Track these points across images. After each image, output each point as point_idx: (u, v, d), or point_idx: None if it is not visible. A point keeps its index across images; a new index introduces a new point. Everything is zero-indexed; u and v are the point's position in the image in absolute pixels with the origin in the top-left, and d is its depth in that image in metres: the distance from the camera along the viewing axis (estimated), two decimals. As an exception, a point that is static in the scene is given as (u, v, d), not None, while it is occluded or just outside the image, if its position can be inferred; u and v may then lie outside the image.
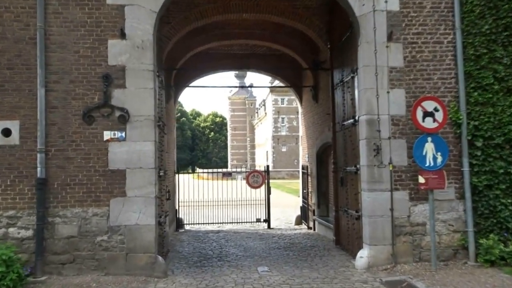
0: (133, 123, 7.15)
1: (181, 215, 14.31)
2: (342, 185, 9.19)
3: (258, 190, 14.38)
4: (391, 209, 7.38)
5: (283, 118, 74.90)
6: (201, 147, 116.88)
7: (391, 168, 7.43)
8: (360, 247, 7.75)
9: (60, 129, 7.06)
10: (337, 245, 9.64)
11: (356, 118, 7.98)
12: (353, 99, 8.28)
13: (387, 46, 7.51)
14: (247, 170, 14.50)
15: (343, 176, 9.08)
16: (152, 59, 7.26)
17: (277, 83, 70.96)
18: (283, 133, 74.96)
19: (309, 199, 13.33)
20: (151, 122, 7.20)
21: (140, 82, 7.20)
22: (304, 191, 13.87)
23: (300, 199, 14.77)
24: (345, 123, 8.85)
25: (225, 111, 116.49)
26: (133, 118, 7.15)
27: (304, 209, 13.89)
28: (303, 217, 14.17)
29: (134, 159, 7.11)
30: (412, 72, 7.66)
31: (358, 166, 7.91)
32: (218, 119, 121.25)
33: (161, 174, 7.89)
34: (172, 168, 13.27)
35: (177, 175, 14.06)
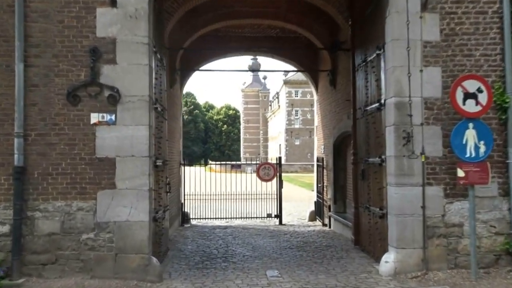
0: (124, 104, 6.21)
1: (187, 209, 13.44)
2: (363, 179, 8.15)
3: (269, 183, 13.41)
4: (423, 207, 6.33)
5: (296, 111, 73.66)
6: (214, 140, 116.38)
7: (423, 160, 6.36)
8: (385, 250, 6.72)
9: (41, 110, 6.15)
10: (356, 245, 8.61)
11: (382, 101, 6.92)
12: (378, 80, 7.20)
13: (420, 17, 6.40)
14: (257, 162, 13.47)
15: (365, 168, 8.02)
16: (147, 31, 6.29)
17: (291, 74, 69.79)
18: (297, 126, 73.76)
19: (325, 193, 12.30)
20: (146, 104, 6.25)
21: (133, 57, 6.25)
22: (319, 185, 12.83)
23: (315, 193, 13.75)
24: (368, 108, 7.78)
25: (238, 104, 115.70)
26: (124, 99, 6.20)
27: (319, 205, 12.87)
28: (317, 213, 13.15)
29: (126, 145, 6.19)
30: (450, 48, 6.54)
31: (383, 157, 6.86)
32: (231, 111, 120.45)
33: (158, 163, 6.95)
34: (177, 159, 12.37)
35: (182, 167, 13.15)
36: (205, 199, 14.22)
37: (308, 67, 13.33)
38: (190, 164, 13.70)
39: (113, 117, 6.20)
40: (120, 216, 6.12)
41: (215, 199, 14.46)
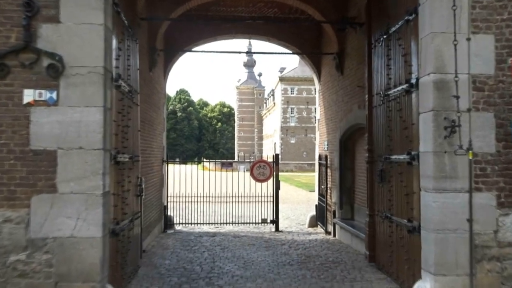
0: (70, 78, 4.57)
1: (171, 213, 11.80)
2: (382, 181, 6.55)
3: (264, 184, 11.80)
4: (470, 221, 4.75)
5: (292, 109, 72.05)
6: (208, 138, 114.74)
7: (470, 157, 4.78)
8: (414, 275, 5.16)
9: (-47, 84, 4.51)
10: (372, 262, 7.04)
11: (413, 81, 5.32)
12: (407, 55, 5.60)
13: (468, -33, 4.83)
14: (251, 160, 11.83)
15: (385, 168, 6.42)
16: (104, -21, 4.65)
17: (287, 71, 68.16)
18: (292, 124, 72.15)
19: (328, 197, 10.70)
20: (99, 78, 4.60)
21: (82, 14, 4.61)
22: (322, 186, 11.22)
23: (316, 196, 12.14)
24: (390, 92, 6.18)
25: (233, 101, 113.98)
26: (70, 71, 4.57)
27: (321, 209, 11.26)
28: (319, 219, 11.55)
29: (71, 134, 4.55)
30: (506, 9, 4.96)
31: (413, 153, 5.28)
32: (225, 109, 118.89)
33: (120, 159, 5.31)
34: (158, 155, 10.72)
35: (166, 164, 11.50)
36: (193, 201, 12.55)
37: (310, 51, 11.71)
38: (173, 162, 12.00)
39: (54, 95, 4.55)
40: (62, 230, 4.49)
41: (204, 201, 12.80)
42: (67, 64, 4.55)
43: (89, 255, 4.48)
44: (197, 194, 12.54)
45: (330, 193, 10.57)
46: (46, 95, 4.54)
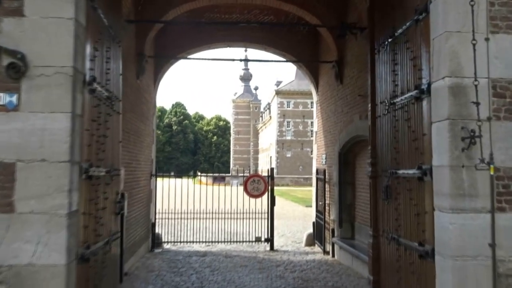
0: (33, 79, 3.97)
1: (160, 231, 11.11)
2: (387, 198, 5.93)
3: (258, 199, 11.15)
4: (492, 245, 4.14)
5: (288, 122, 71.73)
6: (204, 151, 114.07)
7: (492, 172, 4.19)
8: (428, 307, 4.51)
9: None
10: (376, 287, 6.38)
11: (424, 86, 4.76)
12: (416, 58, 5.05)
13: (486, -41, 4.32)
14: (244, 175, 11.20)
15: (391, 184, 5.82)
16: (75, -32, 4.08)
17: (283, 84, 68.02)
18: (288, 138, 71.74)
19: (326, 214, 10.06)
20: (67, 79, 4.00)
21: (50, 6, 4.03)
22: (320, 203, 10.58)
23: (313, 212, 11.49)
24: (397, 100, 5.61)
25: (229, 115, 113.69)
26: (34, 71, 3.97)
27: (319, 227, 10.61)
28: (316, 237, 10.89)
29: (33, 144, 3.92)
30: (529, 6, 4.44)
31: (425, 167, 4.68)
32: (221, 122, 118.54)
33: (94, 173, 4.66)
34: (146, 169, 10.07)
35: (154, 178, 10.85)
36: (184, 218, 11.86)
37: (307, 59, 11.20)
38: (161, 175, 11.34)
39: (14, 98, 3.94)
40: (19, 257, 3.83)
41: (196, 218, 12.11)
42: (31, 63, 3.96)
43: (49, 287, 3.82)
44: (187, 210, 11.85)
45: (329, 209, 9.93)
46: (5, 99, 3.93)
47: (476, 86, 4.13)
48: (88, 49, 4.54)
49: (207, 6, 10.14)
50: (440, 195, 4.35)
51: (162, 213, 11.29)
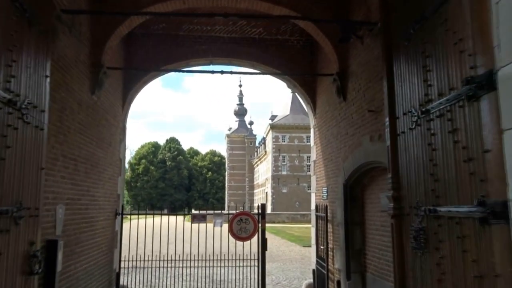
0: None
1: (126, 281, 9.11)
2: (420, 248, 4.13)
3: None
4: None
5: (284, 157, 70.12)
6: (198, 187, 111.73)
7: None
8: None
9: None
10: None
11: (482, 79, 3.09)
12: (465, 39, 3.40)
13: None
14: (230, 212, 9.33)
15: (426, 227, 4.03)
16: None
17: (278, 118, 67.06)
18: (284, 173, 69.89)
19: (330, 260, 8.16)
20: None
21: None
22: (321, 247, 8.67)
23: (313, 258, 9.56)
24: (432, 106, 3.93)
25: (224, 150, 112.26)
26: None
27: (321, 277, 8.66)
28: (318, 289, 8.91)
29: None
30: None
31: (491, 202, 2.93)
32: (216, 158, 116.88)
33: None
34: (108, 206, 8.22)
35: (119, 217, 8.97)
36: (160, 266, 9.86)
37: (301, 75, 9.66)
38: (129, 214, 9.44)
39: None
40: None
41: (173, 267, 10.11)
42: None
43: None
44: (167, 255, 9.87)
45: (333, 256, 8.04)
46: None
47: None
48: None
49: (184, 20, 8.74)
50: (531, 248, 2.59)
51: (132, 260, 9.33)
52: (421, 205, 4.16)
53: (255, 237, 8.98)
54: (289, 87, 10.52)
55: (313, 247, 9.54)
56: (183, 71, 9.37)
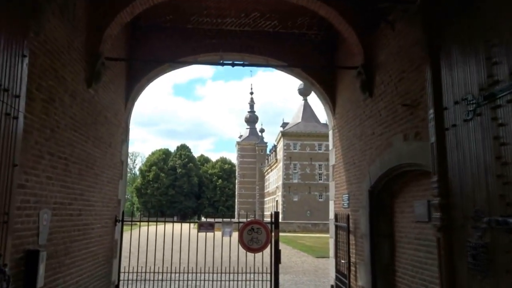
0: None
1: (126, 295, 8.33)
2: (483, 269, 3.26)
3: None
4: None
5: (295, 165, 69.04)
6: (208, 195, 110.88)
7: None
8: None
9: None
10: None
11: None
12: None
13: None
14: (239, 221, 8.49)
15: (490, 243, 3.17)
16: None
17: (289, 126, 66.42)
18: (295, 181, 68.75)
19: (352, 276, 7.26)
20: None
21: None
22: (342, 261, 7.78)
23: (332, 273, 8.65)
24: (498, 89, 3.09)
25: (234, 158, 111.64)
26: None
27: (341, 294, 7.75)
28: (337, 308, 8.00)
29: None
30: None
31: None
32: (226, 165, 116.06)
33: None
34: (106, 213, 7.47)
35: (120, 224, 8.21)
36: (162, 279, 9.05)
37: (319, 70, 8.86)
38: (129, 221, 8.69)
39: None
40: None
41: (177, 280, 9.29)
42: None
43: None
44: (171, 266, 9.06)
45: (355, 271, 7.14)
46: None
47: None
48: None
49: (193, 11, 8.05)
50: None
51: (133, 272, 8.55)
52: (482, 215, 3.30)
53: (268, 248, 8.13)
54: (305, 81, 9.65)
55: (332, 260, 8.65)
56: (191, 63, 8.62)
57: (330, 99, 8.89)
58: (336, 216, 8.42)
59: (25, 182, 4.40)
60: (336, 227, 8.31)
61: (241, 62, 8.35)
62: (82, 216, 6.17)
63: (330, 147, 9.21)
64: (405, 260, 5.81)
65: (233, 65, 6.84)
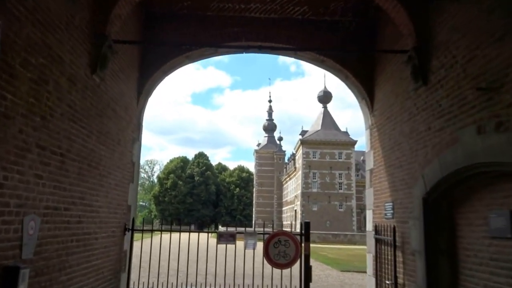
0: None
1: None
2: None
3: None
4: None
5: (314, 173, 67.49)
6: (225, 204, 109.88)
7: None
8: None
9: None
10: None
11: None
12: None
13: None
14: (265, 232, 7.42)
15: None
16: None
17: (309, 133, 65.21)
18: (314, 190, 67.14)
19: (399, 300, 6.10)
20: None
21: None
22: (387, 282, 6.61)
23: (370, 293, 7.48)
24: None
25: (252, 166, 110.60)
26: None
27: (384, 321, 6.58)
28: (379, 336, 6.82)
29: None
30: None
31: None
32: (244, 174, 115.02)
33: None
34: (113, 220, 6.53)
35: (130, 234, 7.26)
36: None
37: (355, 61, 7.80)
38: (141, 230, 7.70)
39: None
40: None
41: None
42: None
43: None
44: (186, 280, 8.06)
45: (404, 295, 5.99)
46: None
47: None
48: None
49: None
50: None
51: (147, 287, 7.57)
52: None
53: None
54: (337, 74, 8.56)
55: (371, 279, 7.50)
56: (210, 55, 7.70)
57: (368, 94, 7.82)
58: (375, 227, 7.29)
59: (4, 180, 3.49)
60: (377, 240, 7.17)
61: (269, 46, 7.37)
62: (82, 224, 5.24)
63: (367, 149, 8.11)
64: (476, 286, 4.65)
65: (260, 47, 5.91)
